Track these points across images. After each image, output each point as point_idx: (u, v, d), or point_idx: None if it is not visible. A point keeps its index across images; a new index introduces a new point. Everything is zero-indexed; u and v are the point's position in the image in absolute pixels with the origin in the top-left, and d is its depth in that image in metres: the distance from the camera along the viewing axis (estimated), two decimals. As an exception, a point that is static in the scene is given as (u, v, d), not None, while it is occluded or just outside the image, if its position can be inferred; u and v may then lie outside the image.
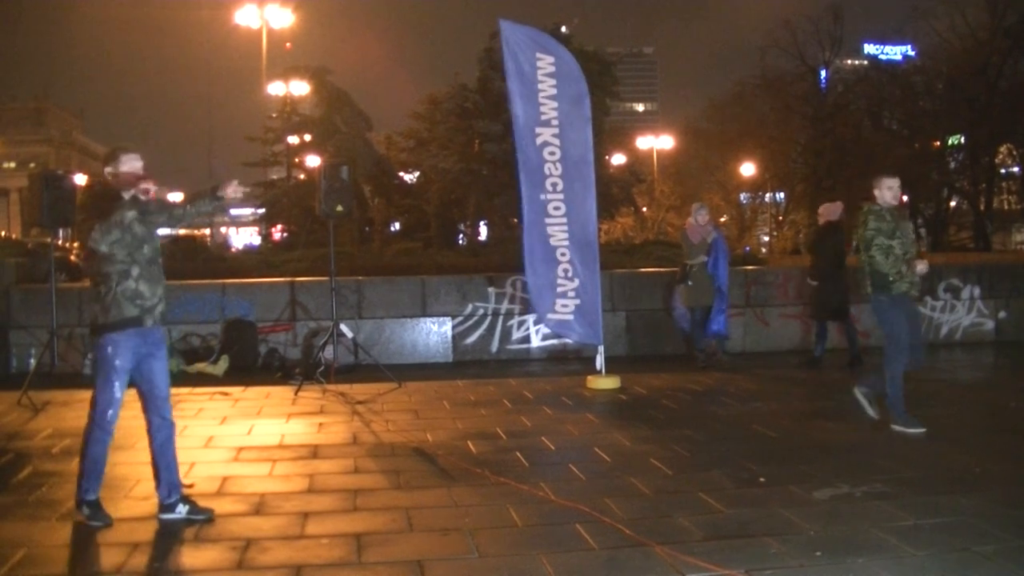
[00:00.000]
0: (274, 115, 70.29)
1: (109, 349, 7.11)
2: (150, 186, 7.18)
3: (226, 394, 12.47)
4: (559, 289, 12.88)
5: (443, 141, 58.17)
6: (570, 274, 12.80)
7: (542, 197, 12.78)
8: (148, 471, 7.34)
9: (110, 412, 7.13)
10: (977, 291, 17.78)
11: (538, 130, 12.71)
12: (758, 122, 75.94)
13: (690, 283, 14.76)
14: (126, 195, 7.14)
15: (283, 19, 59.54)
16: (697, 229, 14.91)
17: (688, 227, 15.07)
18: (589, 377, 13.00)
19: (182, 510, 7.16)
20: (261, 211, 79.83)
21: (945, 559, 6.07)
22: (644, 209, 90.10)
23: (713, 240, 14.83)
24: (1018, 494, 7.54)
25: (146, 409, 7.38)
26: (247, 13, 58.57)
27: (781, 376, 13.71)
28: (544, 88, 12.72)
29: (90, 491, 7.08)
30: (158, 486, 7.27)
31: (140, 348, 7.23)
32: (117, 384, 7.15)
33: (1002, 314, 17.74)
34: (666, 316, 16.53)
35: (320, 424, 10.58)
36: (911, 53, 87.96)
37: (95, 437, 7.15)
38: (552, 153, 12.72)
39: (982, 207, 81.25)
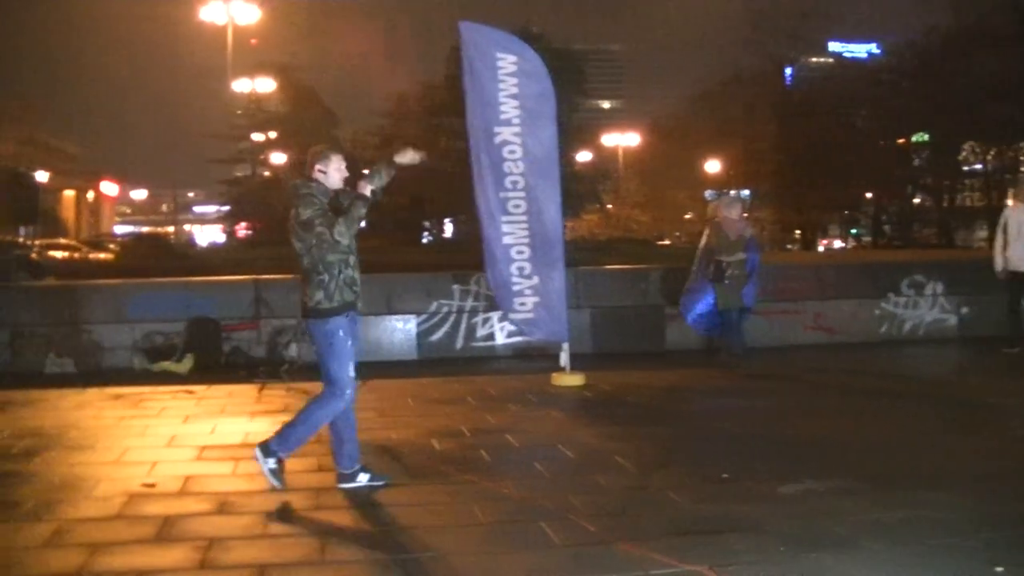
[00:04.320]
0: (240, 112, 70.18)
1: (341, 332, 7.81)
2: (367, 186, 7.92)
3: (190, 392, 12.39)
4: (515, 288, 12.85)
5: (410, 139, 58.12)
6: (526, 272, 12.76)
7: (500, 195, 12.76)
8: (110, 471, 7.31)
9: (348, 391, 7.83)
10: (940, 287, 17.83)
11: (497, 129, 12.68)
12: (724, 120, 76.19)
13: (727, 282, 14.05)
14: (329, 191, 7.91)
15: (249, 15, 59.34)
16: (733, 224, 14.31)
17: (723, 221, 14.39)
18: (554, 374, 12.98)
19: (363, 478, 7.85)
20: (226, 208, 79.70)
21: (909, 554, 6.11)
22: (610, 206, 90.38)
23: (750, 237, 14.45)
24: (982, 489, 7.58)
25: None
26: (213, 9, 58.36)
27: (747, 372, 13.71)
28: (505, 87, 12.69)
29: (282, 449, 7.81)
30: (339, 459, 7.89)
31: (351, 329, 7.95)
32: (351, 363, 7.87)
33: (965, 310, 17.82)
34: (633, 313, 16.54)
35: (284, 422, 10.52)
36: (876, 51, 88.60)
37: (334, 409, 7.85)
38: (512, 152, 12.69)
39: (946, 204, 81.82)
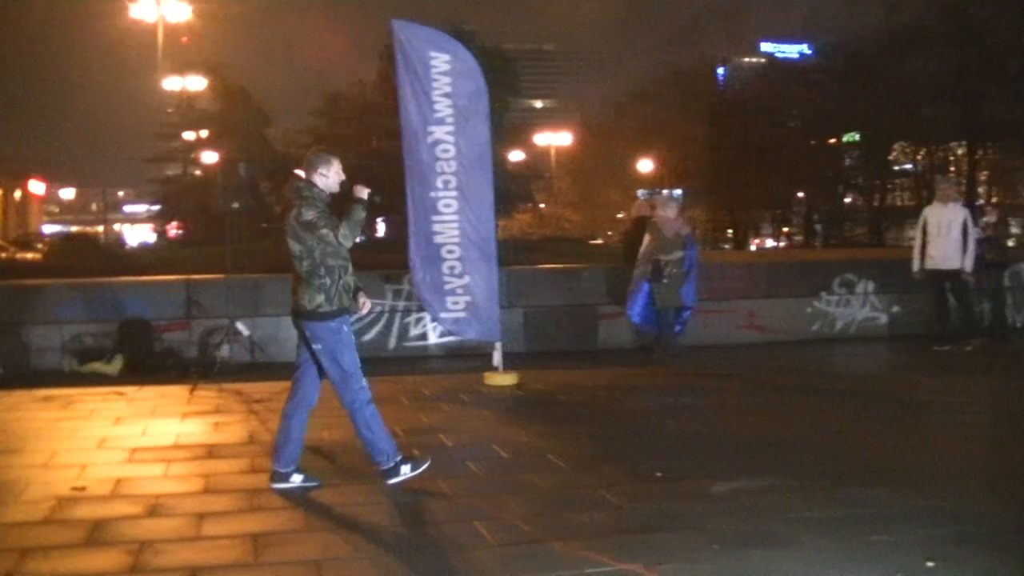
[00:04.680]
0: (171, 111, 69.62)
1: (345, 327, 8.03)
2: (364, 189, 7.96)
3: (120, 394, 12.27)
4: (447, 287, 12.83)
5: (341, 138, 57.95)
6: (457, 271, 12.74)
7: (432, 195, 12.75)
8: (38, 474, 7.23)
9: (364, 380, 8.16)
10: (871, 286, 18.03)
11: (430, 128, 12.66)
12: (657, 119, 76.56)
13: (666, 281, 14.05)
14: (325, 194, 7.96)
15: (180, 13, 58.83)
16: (670, 223, 14.31)
17: (660, 220, 14.39)
18: (487, 374, 12.98)
19: (296, 479, 7.86)
20: (156, 208, 79.05)
21: (843, 550, 6.16)
22: (542, 206, 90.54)
23: (687, 235, 14.46)
24: (915, 485, 7.66)
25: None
26: (143, 6, 57.80)
27: (681, 371, 13.76)
28: (439, 86, 12.68)
29: (392, 453, 7.97)
30: (279, 458, 7.93)
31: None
32: (357, 358, 8.17)
33: (895, 308, 18.01)
34: (565, 313, 16.60)
35: (216, 423, 10.46)
36: (808, 51, 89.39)
37: (364, 399, 8.12)
38: (445, 151, 12.68)
39: (877, 203, 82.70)
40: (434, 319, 14.34)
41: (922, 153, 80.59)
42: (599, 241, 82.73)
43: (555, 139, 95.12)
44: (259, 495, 7.59)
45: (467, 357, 15.16)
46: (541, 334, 16.45)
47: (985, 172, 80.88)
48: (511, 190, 59.01)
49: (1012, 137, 69.57)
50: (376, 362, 14.86)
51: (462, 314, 12.90)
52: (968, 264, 15.66)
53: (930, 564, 5.89)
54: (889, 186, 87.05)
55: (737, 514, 6.94)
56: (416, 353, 15.88)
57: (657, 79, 79.02)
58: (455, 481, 7.95)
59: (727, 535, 6.45)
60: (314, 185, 7.91)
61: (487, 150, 12.97)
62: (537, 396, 12.27)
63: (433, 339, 16.02)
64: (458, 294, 12.80)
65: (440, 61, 12.71)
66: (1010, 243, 24.42)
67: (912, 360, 15.51)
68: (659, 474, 8.15)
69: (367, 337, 15.74)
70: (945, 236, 15.63)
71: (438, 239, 12.75)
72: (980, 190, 76.43)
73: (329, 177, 7.97)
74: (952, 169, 76.40)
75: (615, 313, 16.30)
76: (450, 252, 12.74)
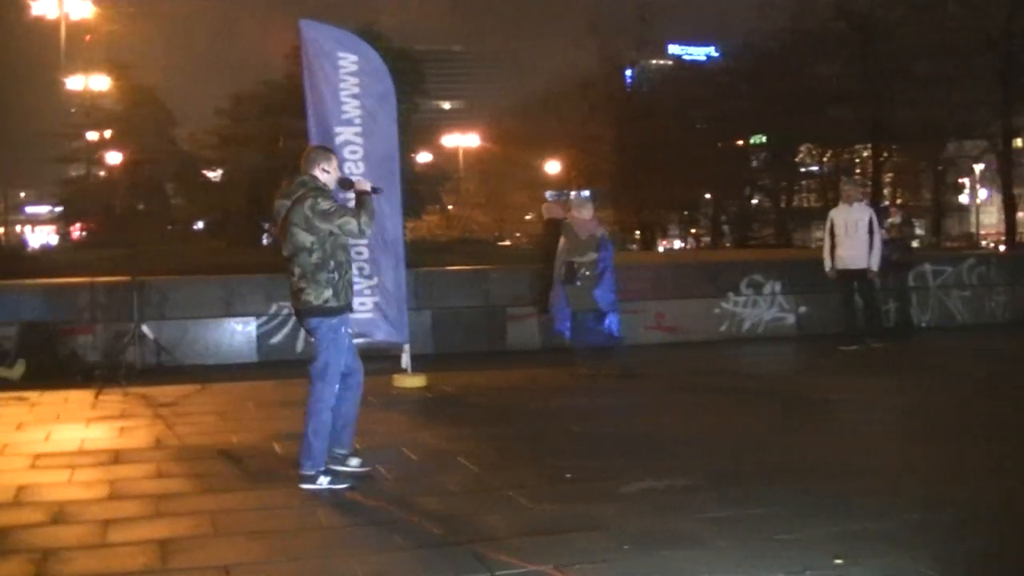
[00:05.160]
0: (74, 110, 68.68)
1: (343, 328, 8.07)
2: (365, 182, 8.30)
3: (22, 399, 12.08)
4: (355, 288, 12.78)
5: (248, 138, 57.57)
6: (366, 272, 12.68)
7: (341, 196, 12.66)
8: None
9: (337, 387, 8.08)
10: (779, 286, 18.22)
11: (338, 129, 12.60)
12: (564, 120, 76.79)
13: (579, 284, 13.69)
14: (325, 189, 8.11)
15: (83, 10, 58.01)
16: (584, 224, 13.96)
17: (574, 222, 14.08)
18: (395, 376, 12.94)
19: (323, 482, 7.80)
20: (59, 209, 77.95)
21: (753, 549, 6.20)
22: (450, 207, 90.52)
23: (601, 237, 14.07)
24: (824, 484, 7.75)
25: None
26: (45, 3, 56.93)
27: (590, 372, 13.78)
28: (347, 87, 12.62)
29: (320, 464, 7.94)
30: (305, 460, 7.90)
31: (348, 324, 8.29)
32: (347, 355, 8.19)
33: (803, 309, 18.21)
34: (474, 314, 16.60)
35: (122, 428, 10.33)
36: (715, 54, 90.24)
37: (328, 396, 8.00)
38: (354, 152, 12.63)
39: (783, 204, 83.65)
40: (344, 320, 14.27)
41: (828, 155, 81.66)
42: (507, 242, 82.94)
43: (463, 141, 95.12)
44: (166, 500, 7.50)
45: (375, 359, 14.96)
46: (450, 336, 16.43)
47: (890, 174, 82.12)
48: (419, 192, 58.91)
49: (916, 140, 70.64)
50: (284, 365, 14.83)
51: (370, 315, 12.84)
52: (875, 263, 15.89)
53: (838, 561, 5.95)
54: (796, 187, 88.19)
55: (648, 514, 6.97)
56: (324, 355, 15.76)
57: (565, 80, 79.27)
58: (365, 484, 7.91)
59: (638, 535, 6.46)
60: (318, 179, 8.06)
61: (395, 151, 12.94)
62: (446, 398, 12.26)
63: (343, 342, 15.92)
64: (366, 295, 12.74)
65: (348, 62, 12.66)
66: (915, 244, 24.85)
67: (819, 360, 15.68)
68: (569, 475, 8.17)
69: (275, 339, 15.65)
70: (852, 236, 15.85)
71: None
72: (885, 192, 77.55)
73: (330, 173, 8.18)
74: (858, 171, 77.49)
75: (524, 314, 16.35)
76: (359, 254, 12.66)
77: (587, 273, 13.63)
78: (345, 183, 8.46)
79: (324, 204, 7.83)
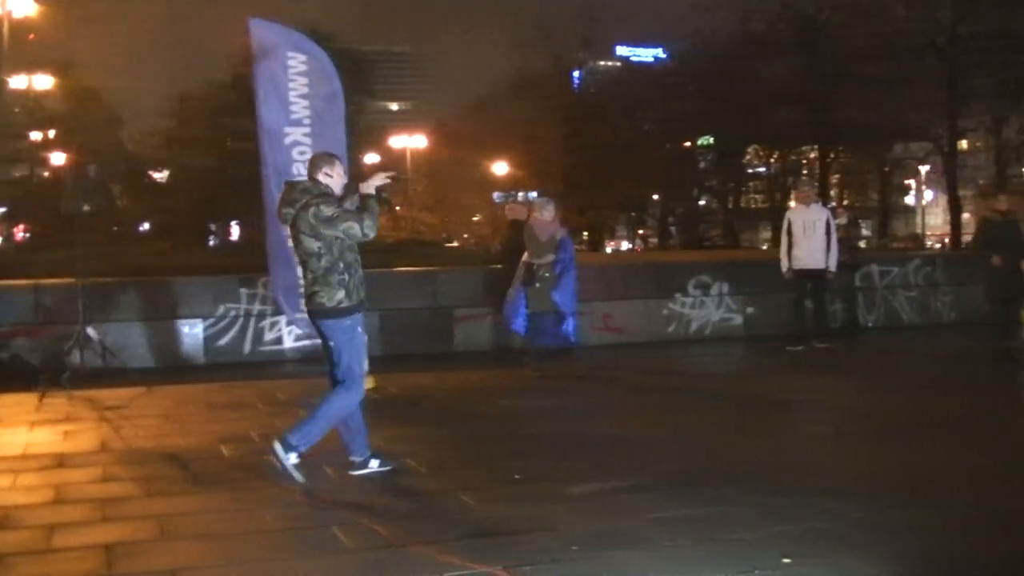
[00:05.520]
0: (17, 110, 67.94)
1: (359, 328, 8.36)
2: (371, 184, 8.37)
3: (-36, 403, 11.97)
4: (300, 291, 12.72)
5: (194, 139, 57.25)
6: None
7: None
8: None
9: (362, 383, 8.49)
10: (726, 287, 18.31)
11: (287, 130, 12.55)
12: (513, 121, 76.71)
13: (538, 285, 13.63)
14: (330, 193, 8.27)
15: (26, 8, 57.38)
16: (545, 226, 13.87)
17: (535, 223, 13.98)
18: (344, 377, 12.89)
19: (374, 464, 8.34)
20: (2, 210, 77.17)
21: (701, 549, 6.22)
22: (398, 208, 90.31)
23: (562, 239, 13.96)
24: (772, 484, 7.79)
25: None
26: (-15, 0, 56.27)
27: (540, 374, 13.78)
28: (296, 87, 12.57)
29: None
30: (352, 449, 8.40)
31: (362, 324, 8.56)
32: (362, 358, 8.65)
33: (750, 309, 18.31)
34: (422, 315, 16.58)
35: (66, 432, 10.23)
36: (662, 55, 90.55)
37: (350, 403, 8.24)
38: (302, 153, 12.55)
39: (731, 206, 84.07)
40: (290, 322, 14.22)
41: (775, 156, 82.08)
42: (455, 244, 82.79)
43: (410, 142, 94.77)
44: (112, 505, 7.43)
45: (323, 361, 15.01)
46: (398, 337, 16.38)
47: (836, 175, 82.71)
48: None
49: (863, 141, 71.20)
50: (231, 367, 14.78)
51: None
52: (832, 263, 16.03)
53: (786, 561, 5.98)
54: (743, 188, 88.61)
55: (596, 515, 6.98)
56: (272, 357, 15.72)
57: (512, 82, 79.17)
58: (312, 486, 7.87)
59: (586, 536, 6.47)
60: (320, 183, 8.22)
61: (343, 152, 12.88)
62: (394, 399, 12.22)
63: (289, 343, 15.87)
64: (315, 298, 12.68)
65: (297, 61, 12.60)
66: (861, 244, 25.03)
67: (766, 360, 15.76)
68: (517, 476, 8.18)
69: (222, 341, 15.57)
70: (811, 236, 15.95)
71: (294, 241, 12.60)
72: (832, 193, 78.08)
73: (333, 177, 8.32)
74: (804, 172, 77.92)
75: (472, 315, 16.36)
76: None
77: (546, 275, 13.57)
78: (352, 187, 8.58)
79: (327, 211, 7.97)
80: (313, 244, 8.03)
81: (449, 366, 14.81)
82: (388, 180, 8.58)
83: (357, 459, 8.31)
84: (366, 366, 8.57)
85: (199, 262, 27.15)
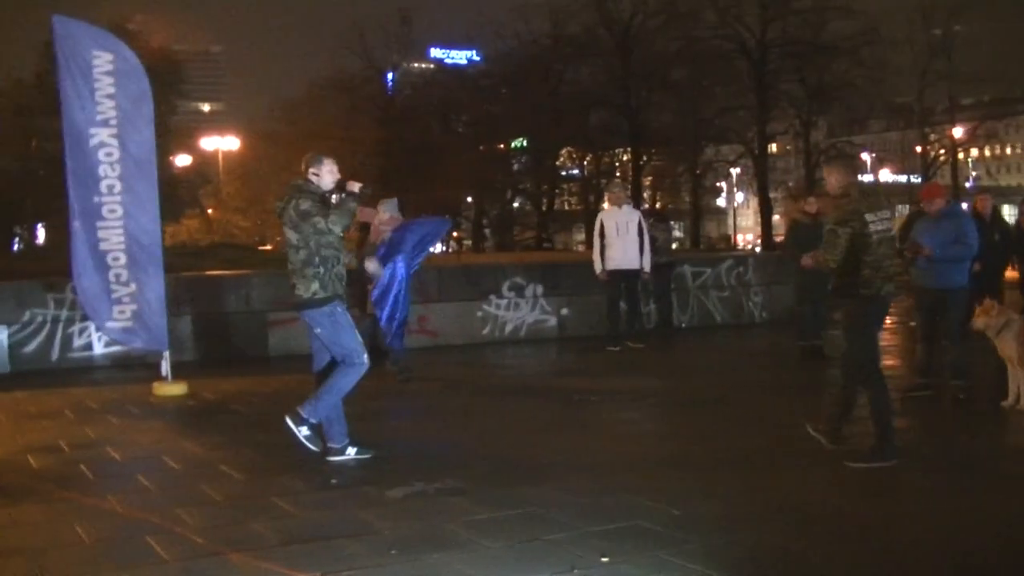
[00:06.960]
0: None
1: (339, 308, 8.73)
2: (356, 185, 8.95)
3: None
4: (112, 295, 12.47)
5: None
6: (123, 279, 12.39)
7: (96, 200, 12.36)
8: None
9: (365, 357, 8.89)
10: (540, 289, 18.41)
11: (93, 130, 12.29)
12: (327, 123, 76.28)
13: (370, 287, 13.58)
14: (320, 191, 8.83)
15: None
16: (376, 229, 13.72)
17: (372, 226, 13.82)
18: (156, 384, 12.69)
19: (351, 452, 8.87)
20: None
21: (522, 550, 6.26)
22: (210, 211, 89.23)
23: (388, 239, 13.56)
24: (591, 483, 7.88)
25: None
26: None
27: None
28: (101, 87, 12.32)
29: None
30: (331, 436, 8.91)
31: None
32: (355, 332, 8.88)
33: (564, 311, 18.46)
34: (235, 320, 16.39)
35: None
36: (476, 58, 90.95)
37: (354, 377, 8.86)
38: (109, 154, 12.33)
39: (545, 208, 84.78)
40: (99, 329, 13.92)
41: (589, 158, 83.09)
42: (268, 247, 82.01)
43: (222, 143, 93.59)
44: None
45: (135, 367, 14.77)
46: (212, 342, 16.16)
47: (649, 177, 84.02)
48: (178, 195, 57.87)
49: (675, 143, 72.55)
50: (39, 374, 14.40)
51: (128, 323, 12.57)
52: (647, 264, 16.25)
53: (605, 559, 6.04)
54: (557, 191, 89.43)
55: (413, 518, 6.97)
56: (81, 364, 15.33)
57: (326, 83, 78.78)
58: (125, 496, 7.71)
59: (404, 539, 6.46)
60: (309, 181, 8.79)
61: (152, 153, 12.69)
62: (208, 405, 12.07)
63: (99, 349, 15.51)
64: (124, 302, 12.45)
65: (103, 60, 12.35)
66: (673, 246, 25.45)
67: (580, 361, 15.91)
68: (334, 481, 8.15)
69: (28, 348, 15.12)
70: (624, 238, 16.14)
71: (103, 245, 12.36)
72: (645, 195, 79.32)
73: (321, 175, 8.84)
74: (618, 174, 79.07)
75: (287, 319, 16.16)
76: (115, 259, 12.37)
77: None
78: (340, 185, 8.96)
79: (303, 205, 8.60)
80: (293, 236, 8.64)
81: (264, 371, 14.66)
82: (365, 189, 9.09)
83: (335, 446, 8.78)
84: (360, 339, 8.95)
85: (3, 266, 26.44)
